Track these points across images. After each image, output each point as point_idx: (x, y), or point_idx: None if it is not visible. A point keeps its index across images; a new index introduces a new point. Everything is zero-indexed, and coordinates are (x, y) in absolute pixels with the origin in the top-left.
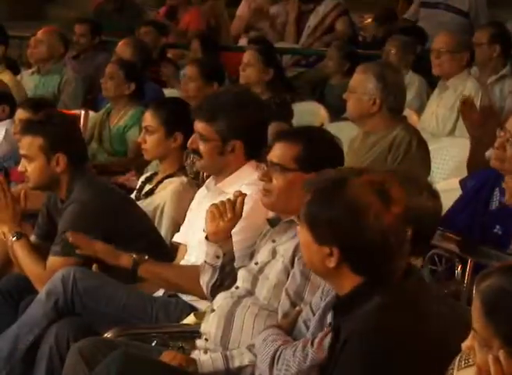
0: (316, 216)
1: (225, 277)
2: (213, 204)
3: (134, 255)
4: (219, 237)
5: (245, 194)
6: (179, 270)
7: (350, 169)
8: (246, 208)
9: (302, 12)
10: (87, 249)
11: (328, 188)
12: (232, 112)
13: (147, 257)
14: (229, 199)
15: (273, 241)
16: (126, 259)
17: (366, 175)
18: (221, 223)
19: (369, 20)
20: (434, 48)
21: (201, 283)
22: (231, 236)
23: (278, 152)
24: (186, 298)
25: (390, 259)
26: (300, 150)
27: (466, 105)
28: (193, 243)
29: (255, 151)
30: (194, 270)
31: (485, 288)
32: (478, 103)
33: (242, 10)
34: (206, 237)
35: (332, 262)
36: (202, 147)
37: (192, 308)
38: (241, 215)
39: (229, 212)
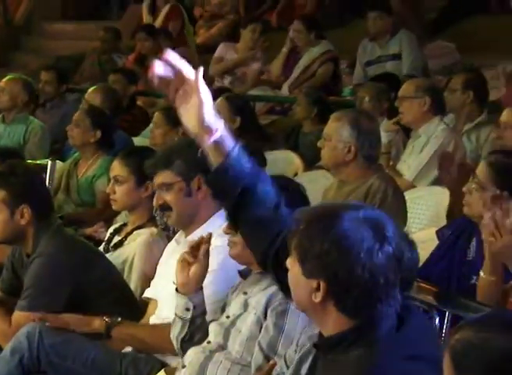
0: (306, 248)
1: (195, 331)
2: (182, 253)
3: (106, 319)
4: (190, 288)
5: (210, 235)
6: (152, 330)
7: (345, 203)
8: (218, 259)
9: (295, 51)
10: (57, 323)
11: (321, 220)
12: (187, 150)
13: (120, 319)
14: (192, 246)
15: (244, 293)
16: (98, 324)
17: (362, 210)
18: (192, 270)
19: (343, 66)
20: (398, 97)
21: (171, 336)
22: (201, 288)
23: None
24: (156, 353)
25: (376, 301)
26: None
27: (445, 159)
28: (164, 297)
29: None
30: (168, 329)
31: (454, 343)
32: (449, 150)
33: (220, 52)
34: (176, 289)
35: (318, 297)
36: (168, 197)
37: (162, 364)
38: (206, 259)
39: (196, 262)
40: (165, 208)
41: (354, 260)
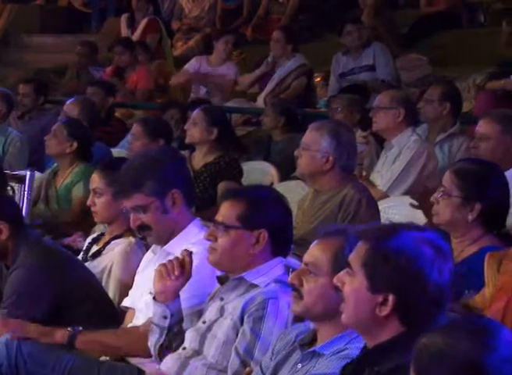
0: (379, 265)
1: (173, 339)
2: (161, 263)
3: (69, 329)
4: (167, 296)
5: (191, 252)
6: (118, 334)
7: (399, 223)
8: (192, 266)
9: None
10: (20, 334)
11: (390, 238)
12: (155, 169)
13: (81, 328)
14: (177, 257)
15: (221, 299)
16: (60, 335)
17: (417, 230)
18: (168, 282)
19: (318, 79)
20: (373, 106)
21: (149, 344)
22: (179, 296)
23: (223, 211)
24: (133, 360)
25: (439, 313)
26: (243, 208)
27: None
28: (140, 306)
29: (193, 200)
30: (133, 331)
31: (419, 349)
32: (422, 161)
33: (191, 65)
34: (154, 297)
35: (384, 311)
36: (145, 217)
37: (140, 372)
38: (190, 274)
39: (176, 270)
40: (144, 228)
41: (427, 277)
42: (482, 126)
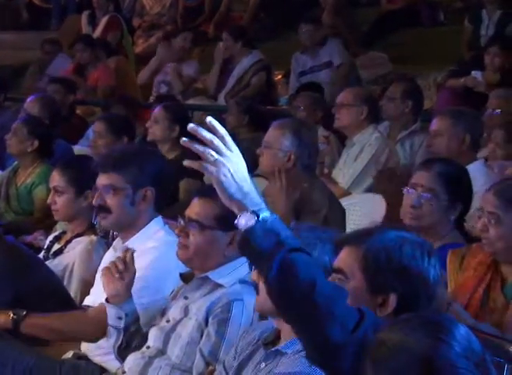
0: (383, 266)
1: (131, 338)
2: (105, 267)
3: (12, 314)
4: (120, 298)
5: (133, 250)
6: (63, 318)
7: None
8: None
9: (228, 62)
10: None
11: (381, 240)
12: (143, 159)
13: (25, 312)
14: (119, 257)
15: (185, 298)
16: (3, 320)
17: (392, 228)
18: (118, 284)
19: (279, 77)
20: (336, 103)
21: (109, 346)
22: (131, 295)
23: (198, 209)
24: (96, 359)
25: (430, 306)
26: (220, 208)
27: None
28: None
29: (164, 202)
30: (81, 316)
31: (373, 344)
32: (383, 158)
33: (153, 63)
34: (106, 300)
35: (385, 311)
36: (111, 200)
37: (102, 371)
38: (134, 270)
39: (123, 271)
40: (104, 209)
41: (427, 273)
42: (434, 124)
